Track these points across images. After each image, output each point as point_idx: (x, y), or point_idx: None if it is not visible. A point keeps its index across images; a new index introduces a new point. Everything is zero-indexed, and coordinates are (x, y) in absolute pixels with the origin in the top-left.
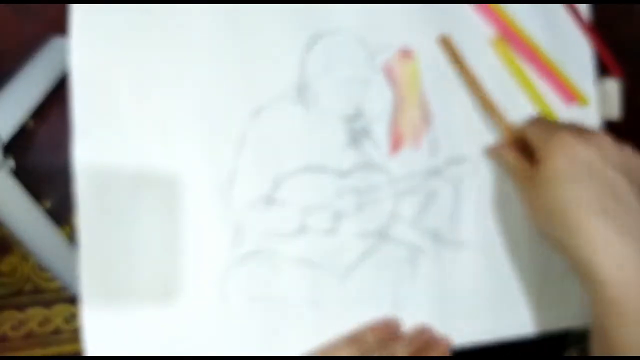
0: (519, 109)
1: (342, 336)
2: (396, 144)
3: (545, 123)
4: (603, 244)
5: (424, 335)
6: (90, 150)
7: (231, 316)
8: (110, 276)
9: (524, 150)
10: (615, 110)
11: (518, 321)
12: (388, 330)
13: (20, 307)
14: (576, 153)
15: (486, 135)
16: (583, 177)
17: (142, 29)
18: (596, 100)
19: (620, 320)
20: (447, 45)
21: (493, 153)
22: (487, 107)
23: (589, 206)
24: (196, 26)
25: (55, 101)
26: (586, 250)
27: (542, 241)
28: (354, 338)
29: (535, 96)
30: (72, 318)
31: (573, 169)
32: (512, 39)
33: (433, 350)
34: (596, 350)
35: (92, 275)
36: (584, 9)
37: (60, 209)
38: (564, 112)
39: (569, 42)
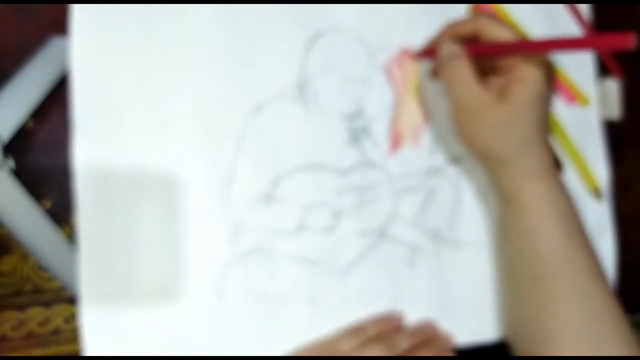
0: None
1: (343, 328)
2: (396, 143)
3: (511, 31)
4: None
5: (426, 331)
6: (90, 150)
7: (230, 314)
8: (110, 276)
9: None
10: (615, 110)
11: None
12: (390, 323)
13: (20, 307)
14: (553, 81)
15: None
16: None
17: (142, 29)
18: (596, 100)
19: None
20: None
21: (447, 67)
22: None
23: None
24: (196, 26)
25: (55, 101)
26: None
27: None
28: (355, 330)
29: None
30: (72, 318)
31: (548, 95)
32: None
33: (434, 346)
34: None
35: (91, 275)
36: (584, 9)
37: (60, 209)
38: (564, 111)
39: None
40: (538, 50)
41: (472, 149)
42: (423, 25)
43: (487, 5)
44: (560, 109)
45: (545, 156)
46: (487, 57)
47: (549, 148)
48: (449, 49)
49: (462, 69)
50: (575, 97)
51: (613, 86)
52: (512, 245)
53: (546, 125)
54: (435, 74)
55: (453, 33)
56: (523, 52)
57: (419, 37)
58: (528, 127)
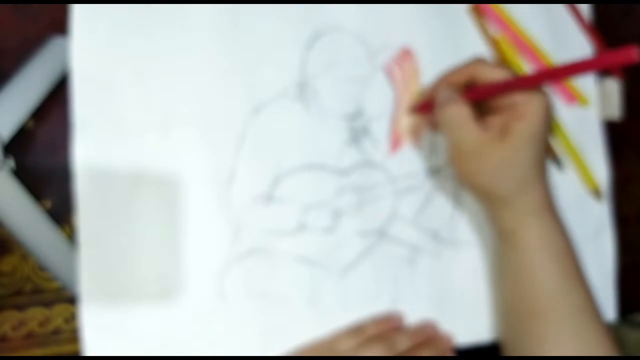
0: None
1: (343, 328)
2: (396, 143)
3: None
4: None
5: (426, 331)
6: (90, 149)
7: (230, 314)
8: (110, 276)
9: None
10: (615, 110)
11: None
12: (390, 323)
13: (20, 307)
14: (552, 116)
15: None
16: (547, 138)
17: (142, 29)
18: (596, 100)
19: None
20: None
21: (443, 114)
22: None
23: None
24: (197, 26)
25: (55, 101)
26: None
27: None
28: (355, 330)
29: None
30: (72, 318)
31: (548, 131)
32: (513, 39)
33: (434, 346)
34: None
35: (91, 275)
36: (584, 9)
37: (60, 209)
38: (564, 111)
39: (569, 42)
40: (535, 84)
41: (472, 189)
42: (423, 25)
43: (487, 5)
44: (561, 109)
45: (545, 194)
46: (486, 99)
47: (547, 185)
48: (445, 94)
49: (460, 111)
50: (575, 97)
51: (613, 86)
52: (509, 281)
53: (545, 162)
54: (434, 126)
55: (448, 83)
56: (520, 88)
57: (419, 37)
58: (528, 165)
